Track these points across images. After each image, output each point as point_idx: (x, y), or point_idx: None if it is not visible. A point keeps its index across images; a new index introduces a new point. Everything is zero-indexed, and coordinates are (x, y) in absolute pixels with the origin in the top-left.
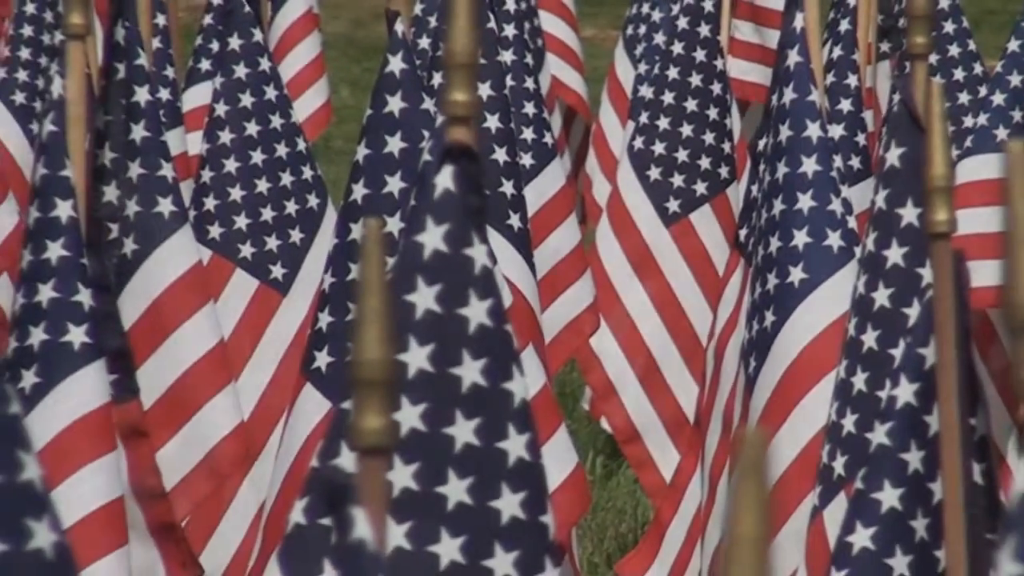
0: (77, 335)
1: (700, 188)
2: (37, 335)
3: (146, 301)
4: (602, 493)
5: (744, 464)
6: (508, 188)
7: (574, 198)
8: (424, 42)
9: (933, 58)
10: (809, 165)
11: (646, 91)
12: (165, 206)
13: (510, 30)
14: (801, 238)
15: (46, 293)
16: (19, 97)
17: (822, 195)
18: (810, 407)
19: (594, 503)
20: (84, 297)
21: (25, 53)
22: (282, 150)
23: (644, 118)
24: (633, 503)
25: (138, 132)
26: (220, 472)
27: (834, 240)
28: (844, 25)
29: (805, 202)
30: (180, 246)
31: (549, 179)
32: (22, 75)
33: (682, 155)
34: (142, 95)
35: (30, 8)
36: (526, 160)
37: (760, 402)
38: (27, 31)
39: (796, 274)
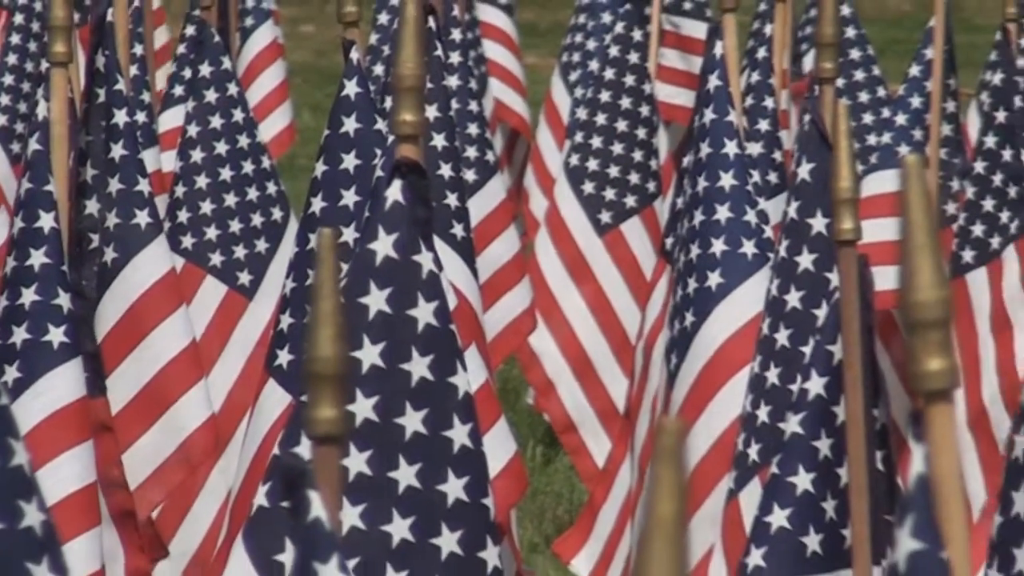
0: (56, 335)
1: (630, 201)
2: (20, 334)
3: (125, 304)
4: (541, 479)
5: (662, 451)
6: (453, 201)
7: (514, 210)
8: (378, 69)
9: (840, 82)
10: (727, 180)
11: (581, 113)
12: (142, 218)
13: (455, 57)
14: (719, 246)
15: (28, 296)
16: (1, 119)
17: (738, 207)
18: (724, 400)
19: (534, 488)
20: (64, 301)
21: (8, 79)
22: (248, 167)
23: (579, 137)
24: (569, 488)
25: (117, 151)
26: (193, 461)
27: (748, 248)
28: (761, 52)
29: (723, 213)
30: (155, 255)
31: (490, 193)
32: (4, 99)
33: (613, 171)
34: (121, 117)
35: (15, 39)
36: (469, 175)
37: (680, 395)
38: (11, 59)
39: (714, 279)
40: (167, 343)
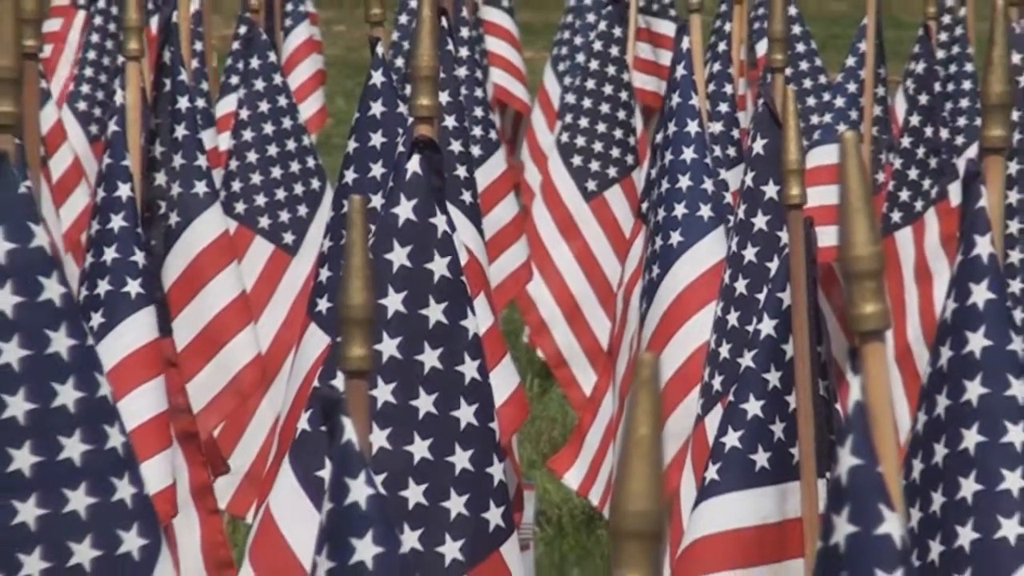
0: (133, 287)
1: (612, 172)
2: (103, 286)
3: (186, 260)
4: (538, 406)
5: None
6: (462, 172)
7: (513, 180)
8: (399, 61)
9: (788, 71)
10: (688, 153)
11: (569, 98)
12: (200, 188)
13: (464, 51)
14: (680, 210)
15: (110, 254)
16: (82, 106)
17: (697, 177)
18: (683, 337)
19: (532, 414)
20: (138, 258)
21: (88, 72)
22: (291, 144)
23: (568, 118)
24: (562, 414)
25: (180, 131)
26: (243, 392)
27: (705, 212)
28: (721, 46)
29: (684, 182)
30: (212, 219)
31: (493, 166)
32: (84, 88)
33: (598, 146)
34: (183, 103)
35: (94, 37)
36: (475, 151)
37: (648, 332)
38: (91, 55)
39: (675, 238)
40: (221, 293)
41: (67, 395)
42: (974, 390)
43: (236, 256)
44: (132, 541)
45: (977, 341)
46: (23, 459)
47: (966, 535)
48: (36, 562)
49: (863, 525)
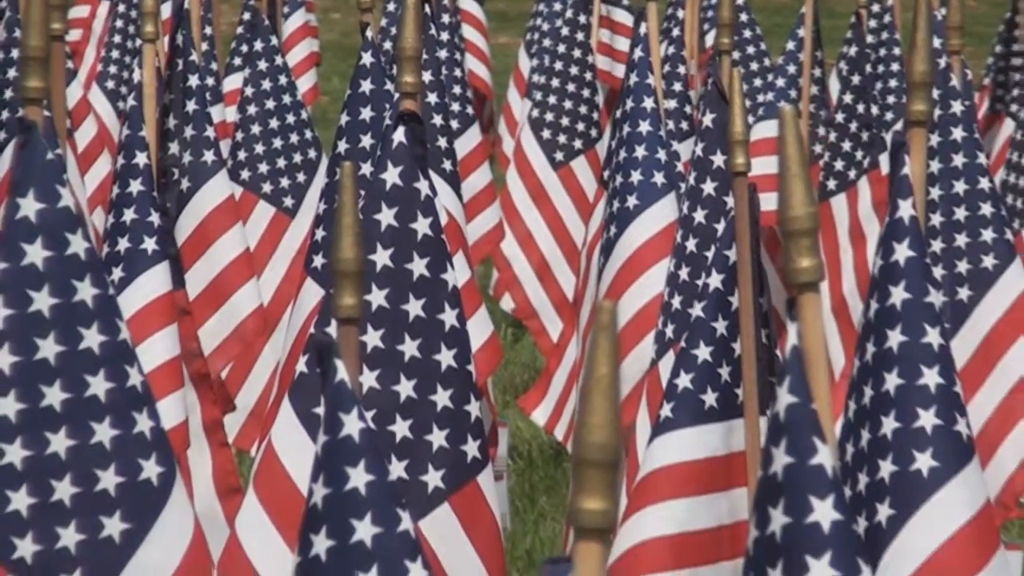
0: (150, 244)
1: (577, 144)
2: (123, 244)
3: (196, 221)
4: (511, 353)
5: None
6: (443, 143)
7: (487, 151)
8: (387, 44)
9: (735, 55)
10: (643, 127)
11: (539, 78)
12: (209, 157)
13: (444, 36)
14: (636, 177)
15: (129, 215)
16: (110, 84)
17: (652, 147)
18: (637, 290)
19: (506, 359)
20: (154, 218)
21: (114, 54)
22: (291, 118)
23: (538, 96)
24: (532, 359)
25: (191, 106)
26: (246, 338)
27: (659, 179)
28: (675, 32)
29: (640, 152)
30: (218, 184)
31: (470, 137)
32: (112, 68)
33: (564, 121)
34: (194, 81)
35: (118, 23)
36: (454, 124)
37: (605, 285)
38: (116, 39)
39: (631, 201)
40: (227, 250)
41: (92, 339)
42: (895, 338)
43: (240, 217)
44: (151, 469)
45: (898, 294)
46: (54, 396)
47: (886, 468)
48: (67, 487)
49: (798, 456)
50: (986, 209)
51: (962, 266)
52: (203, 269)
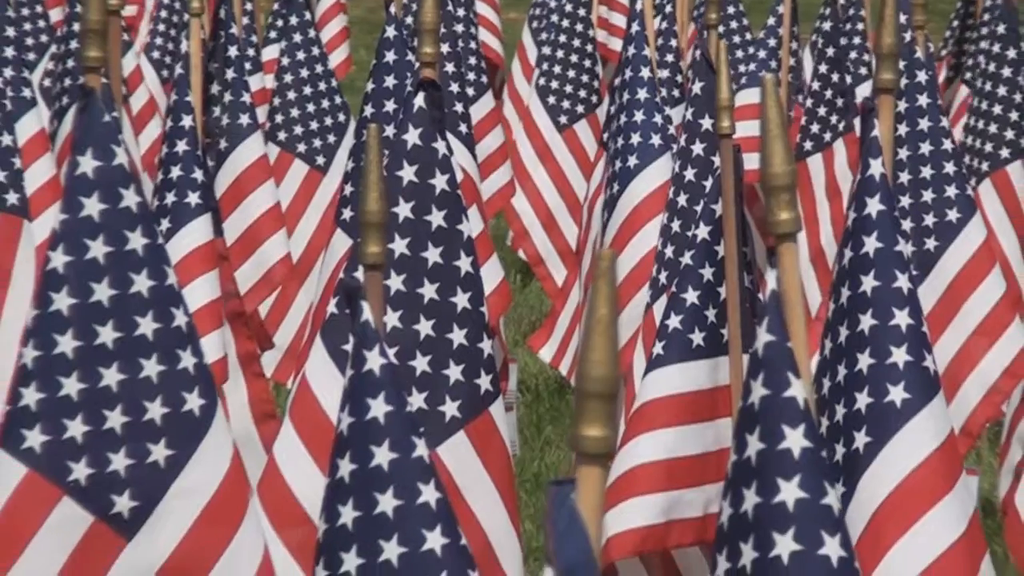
0: (193, 198)
1: (579, 109)
2: (170, 198)
3: (232, 177)
4: (520, 297)
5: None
6: (459, 108)
7: (500, 115)
8: (409, 19)
9: (721, 28)
10: (641, 94)
11: (546, 50)
12: (244, 120)
13: (460, 11)
14: (635, 139)
15: (175, 172)
16: (156, 54)
17: (648, 112)
18: (637, 242)
19: (515, 302)
20: (198, 174)
21: (161, 27)
22: (323, 86)
23: (545, 66)
24: (539, 302)
25: (230, 74)
26: (275, 281)
27: (656, 140)
28: (668, 8)
29: (638, 116)
30: (253, 144)
31: (483, 104)
32: (159, 40)
33: (568, 88)
34: (233, 51)
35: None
36: (469, 91)
37: (609, 237)
38: (163, 14)
39: (632, 161)
40: (259, 203)
41: (142, 283)
42: (868, 283)
43: (271, 174)
44: (193, 401)
45: (871, 244)
46: (107, 335)
47: (863, 400)
48: (118, 417)
49: (773, 389)
50: (949, 168)
51: (929, 219)
52: (238, 220)
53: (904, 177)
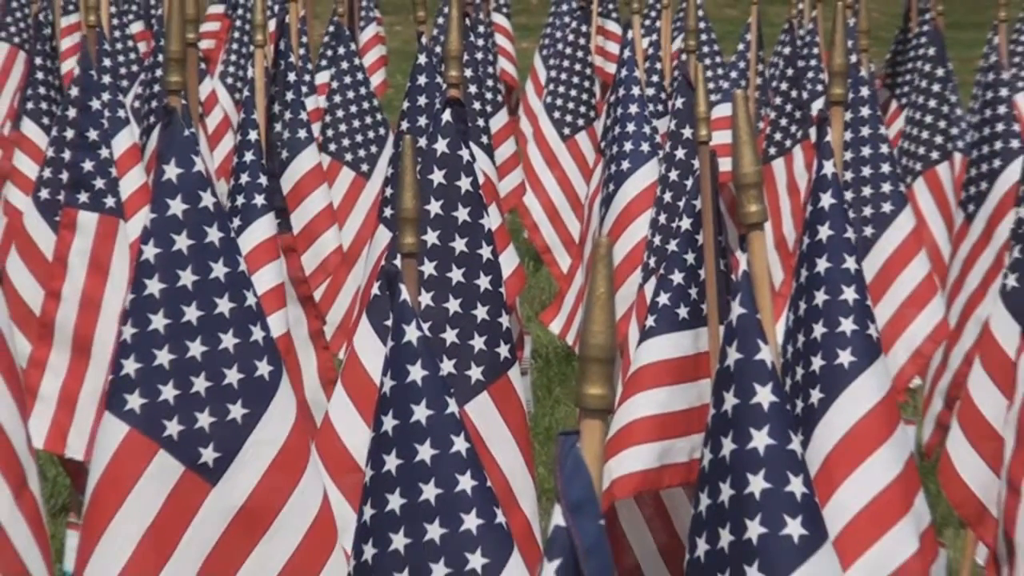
0: (259, 199)
1: (580, 122)
2: (240, 200)
3: (291, 183)
4: (532, 280)
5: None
6: (480, 122)
7: (514, 129)
8: (437, 48)
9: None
10: (632, 109)
11: (552, 73)
12: (302, 134)
13: (480, 41)
14: (627, 146)
15: (244, 178)
16: (228, 80)
17: (639, 124)
18: (630, 233)
19: (528, 284)
20: (263, 180)
21: (232, 57)
22: (366, 105)
23: (551, 87)
24: (549, 284)
25: (289, 96)
26: (328, 269)
27: (644, 147)
28: (654, 37)
29: (630, 127)
30: (310, 155)
31: (500, 119)
32: (231, 68)
33: (571, 105)
34: (291, 77)
35: (236, 34)
36: (488, 108)
37: (606, 229)
38: (234, 46)
39: (624, 164)
40: (314, 204)
41: (219, 270)
42: (822, 264)
43: (325, 179)
44: (263, 368)
45: (824, 231)
46: (192, 313)
47: (817, 362)
48: (202, 382)
49: (745, 353)
50: (885, 168)
51: (867, 210)
52: (297, 218)
53: (848, 175)
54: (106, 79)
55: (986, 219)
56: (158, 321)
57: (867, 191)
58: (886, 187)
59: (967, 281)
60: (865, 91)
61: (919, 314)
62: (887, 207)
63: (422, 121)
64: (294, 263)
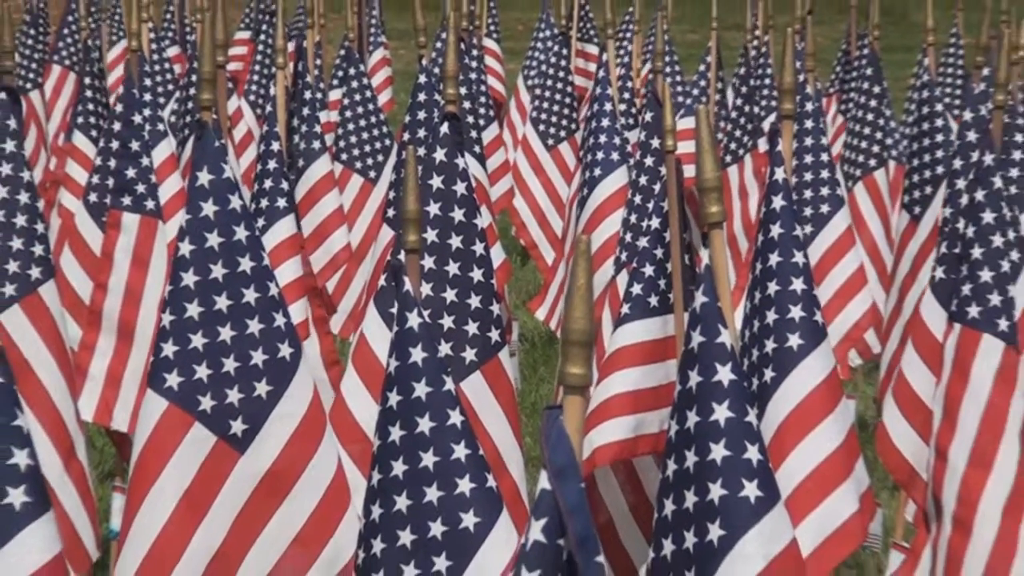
0: (281, 202)
1: (562, 133)
2: (264, 203)
3: (307, 188)
4: (519, 273)
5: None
6: (473, 134)
7: (503, 140)
8: (436, 69)
9: (665, 72)
10: (605, 122)
11: (537, 91)
12: (316, 145)
13: (473, 63)
14: (600, 155)
15: (267, 183)
16: (252, 97)
17: (611, 135)
18: (602, 229)
19: (516, 277)
20: (284, 185)
21: (255, 78)
22: (373, 119)
23: (536, 103)
24: (535, 276)
25: (306, 111)
26: (338, 265)
27: (615, 156)
28: (626, 59)
29: (603, 138)
30: (323, 164)
31: (491, 131)
32: (254, 87)
33: (554, 119)
34: (307, 95)
35: (259, 56)
36: (481, 122)
37: (581, 226)
38: (257, 67)
39: (597, 171)
40: (326, 207)
41: (246, 264)
42: (774, 259)
43: (336, 185)
44: (285, 350)
45: (776, 230)
46: (222, 302)
47: (770, 345)
48: (231, 363)
49: (708, 336)
50: (824, 174)
51: (807, 211)
52: (312, 219)
53: (793, 180)
54: (147, 96)
55: (933, 220)
56: (193, 309)
57: (808, 194)
58: (824, 191)
59: (919, 277)
60: (810, 106)
61: (848, 303)
62: (824, 208)
63: (423, 133)
64: (305, 260)
